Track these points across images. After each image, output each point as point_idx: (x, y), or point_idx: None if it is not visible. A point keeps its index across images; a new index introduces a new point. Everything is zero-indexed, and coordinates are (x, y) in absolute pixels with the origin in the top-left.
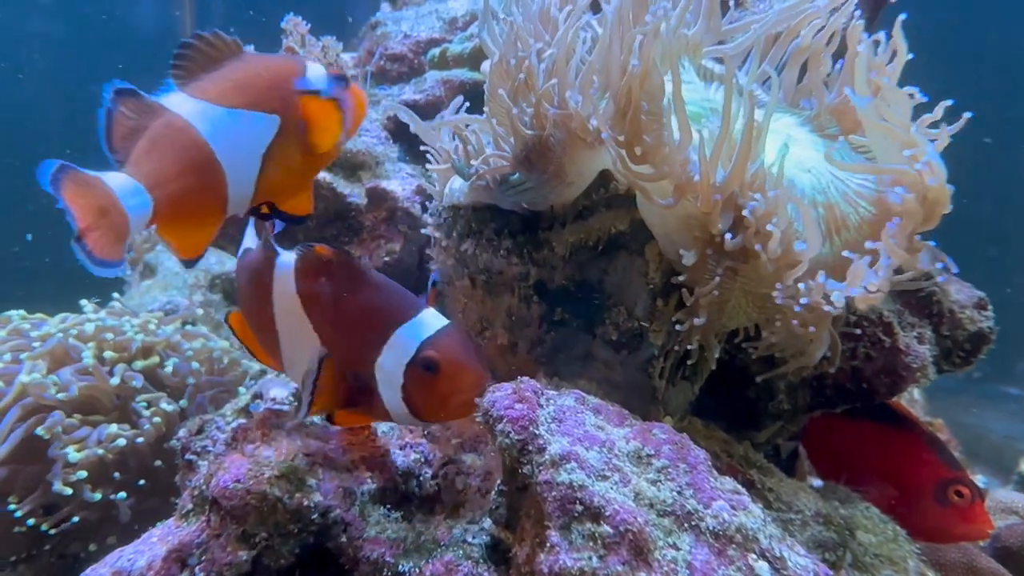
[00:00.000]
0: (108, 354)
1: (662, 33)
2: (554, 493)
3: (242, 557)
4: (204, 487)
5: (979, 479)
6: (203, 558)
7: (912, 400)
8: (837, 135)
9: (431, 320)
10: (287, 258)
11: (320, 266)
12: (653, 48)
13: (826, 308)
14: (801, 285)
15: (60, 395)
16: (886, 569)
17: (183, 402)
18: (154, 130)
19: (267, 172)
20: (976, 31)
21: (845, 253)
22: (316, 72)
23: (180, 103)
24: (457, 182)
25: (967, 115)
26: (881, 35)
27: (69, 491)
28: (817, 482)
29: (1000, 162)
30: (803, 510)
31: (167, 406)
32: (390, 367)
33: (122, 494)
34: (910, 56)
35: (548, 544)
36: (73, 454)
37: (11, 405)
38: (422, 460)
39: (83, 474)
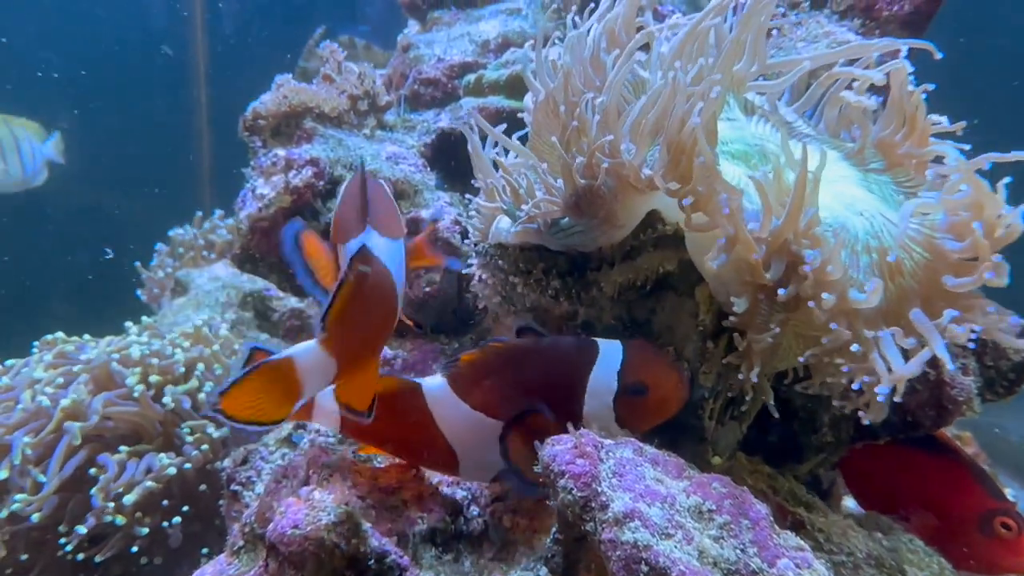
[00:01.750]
0: (154, 378)
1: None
2: (619, 553)
3: None
4: (255, 524)
5: (1007, 493)
6: None
7: None
8: (882, 170)
9: (611, 349)
10: (432, 381)
11: (476, 371)
12: (711, 109)
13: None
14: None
15: (106, 422)
16: None
17: (226, 429)
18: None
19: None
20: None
21: (912, 315)
22: None
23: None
24: (504, 221)
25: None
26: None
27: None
28: (852, 504)
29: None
30: (854, 552)
31: (213, 432)
32: (597, 410)
33: (176, 518)
34: None
35: None
36: (128, 496)
37: (56, 435)
38: (469, 497)
39: (121, 521)
